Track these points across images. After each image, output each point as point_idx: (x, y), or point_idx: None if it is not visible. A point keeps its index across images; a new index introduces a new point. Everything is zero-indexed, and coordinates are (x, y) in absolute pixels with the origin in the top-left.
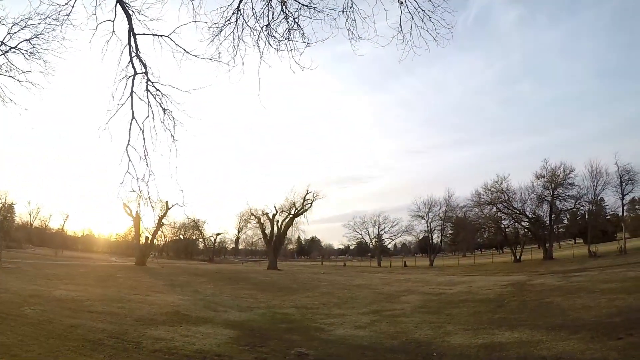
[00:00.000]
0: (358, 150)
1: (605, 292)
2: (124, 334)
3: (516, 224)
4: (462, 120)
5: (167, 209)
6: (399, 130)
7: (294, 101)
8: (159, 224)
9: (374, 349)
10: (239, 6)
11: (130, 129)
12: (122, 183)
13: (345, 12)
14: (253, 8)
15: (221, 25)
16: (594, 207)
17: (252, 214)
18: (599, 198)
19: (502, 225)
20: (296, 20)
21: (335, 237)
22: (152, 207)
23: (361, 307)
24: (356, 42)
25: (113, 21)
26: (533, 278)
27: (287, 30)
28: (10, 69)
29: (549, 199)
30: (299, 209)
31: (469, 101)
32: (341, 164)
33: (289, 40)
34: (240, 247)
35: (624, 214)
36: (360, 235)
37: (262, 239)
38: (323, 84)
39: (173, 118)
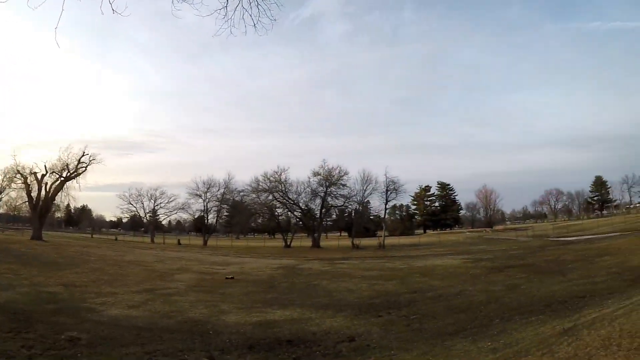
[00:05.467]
0: (146, 117)
1: (366, 278)
2: None
3: (289, 213)
4: (266, 110)
5: None
6: (198, 106)
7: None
8: None
9: (149, 329)
10: None
11: None
12: None
13: None
14: None
15: None
16: (360, 207)
17: (19, 171)
18: (366, 200)
19: (276, 213)
20: None
21: (109, 208)
22: None
23: (134, 285)
24: (179, 2)
25: None
26: (302, 263)
27: None
28: None
29: (322, 195)
30: (72, 171)
31: (278, 94)
32: (124, 127)
33: None
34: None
35: (386, 216)
36: (135, 208)
37: (27, 204)
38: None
39: None
